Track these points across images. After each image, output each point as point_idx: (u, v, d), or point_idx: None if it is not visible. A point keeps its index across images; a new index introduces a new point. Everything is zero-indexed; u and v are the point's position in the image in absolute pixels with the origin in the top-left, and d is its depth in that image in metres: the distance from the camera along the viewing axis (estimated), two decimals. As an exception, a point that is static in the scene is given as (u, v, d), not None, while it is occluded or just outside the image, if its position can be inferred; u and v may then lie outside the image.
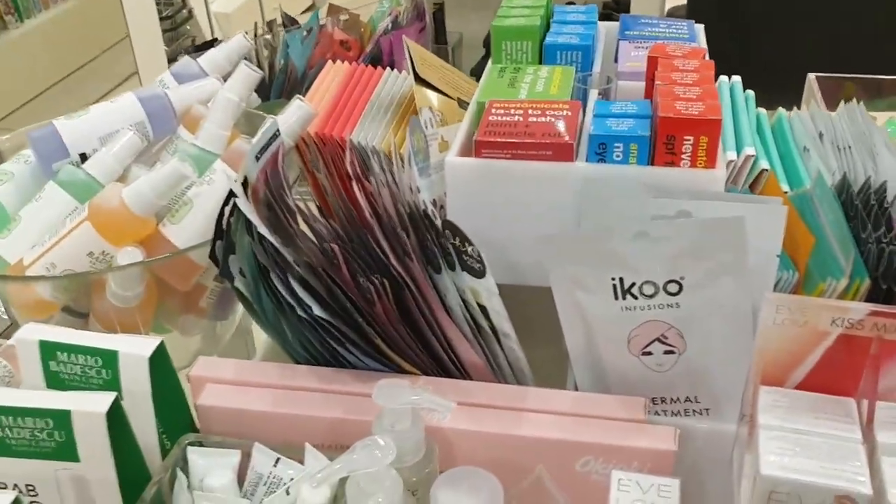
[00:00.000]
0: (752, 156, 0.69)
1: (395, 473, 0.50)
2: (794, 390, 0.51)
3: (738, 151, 0.69)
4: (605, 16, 2.03)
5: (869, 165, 0.70)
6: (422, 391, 0.53)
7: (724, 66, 1.69)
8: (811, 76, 1.01)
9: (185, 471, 0.56)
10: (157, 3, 2.81)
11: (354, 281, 0.57)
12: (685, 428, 0.57)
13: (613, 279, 0.56)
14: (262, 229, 0.56)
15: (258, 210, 0.60)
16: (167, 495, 0.55)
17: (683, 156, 0.57)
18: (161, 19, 2.77)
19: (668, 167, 0.58)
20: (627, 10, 1.86)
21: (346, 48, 1.10)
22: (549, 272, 0.57)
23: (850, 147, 0.74)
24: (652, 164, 0.58)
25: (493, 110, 0.63)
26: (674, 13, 1.96)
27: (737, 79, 0.82)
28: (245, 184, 0.61)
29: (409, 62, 0.80)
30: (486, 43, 2.10)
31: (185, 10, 2.93)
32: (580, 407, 0.58)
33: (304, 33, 1.03)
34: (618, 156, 0.58)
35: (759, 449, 0.46)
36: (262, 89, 0.99)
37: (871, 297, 0.60)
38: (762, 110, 0.82)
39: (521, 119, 0.61)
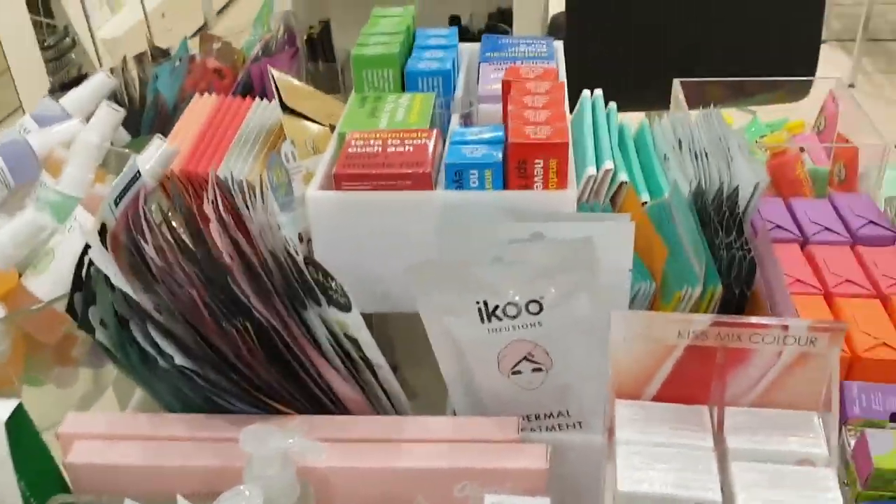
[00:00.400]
0: (610, 170, 0.71)
1: (264, 520, 0.50)
2: (650, 402, 0.52)
3: (598, 166, 0.71)
4: (491, 27, 2.06)
5: (724, 171, 0.73)
6: (291, 434, 0.53)
7: (597, 75, 1.75)
8: (676, 82, 1.04)
9: (54, 534, 0.54)
10: (39, 32, 2.72)
11: (217, 326, 0.56)
12: (560, 443, 0.59)
13: (478, 302, 0.57)
14: (117, 280, 0.55)
15: (119, 257, 0.59)
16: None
17: (536, 179, 0.58)
18: (43, 49, 2.69)
19: (522, 190, 0.59)
20: (510, 23, 1.90)
21: (220, 77, 1.09)
22: (416, 300, 0.58)
23: (706, 153, 0.77)
24: (507, 188, 0.59)
25: (353, 142, 0.63)
26: (556, 21, 2.00)
27: (598, 93, 0.85)
28: (103, 230, 0.60)
29: (274, 92, 0.80)
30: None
31: (68, 38, 2.84)
32: (456, 431, 0.59)
33: (175, 64, 1.01)
34: (474, 182, 0.59)
35: (616, 464, 0.48)
36: (133, 125, 0.97)
37: (725, 302, 0.62)
38: (626, 121, 0.85)
39: (380, 150, 0.61)
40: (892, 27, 3.62)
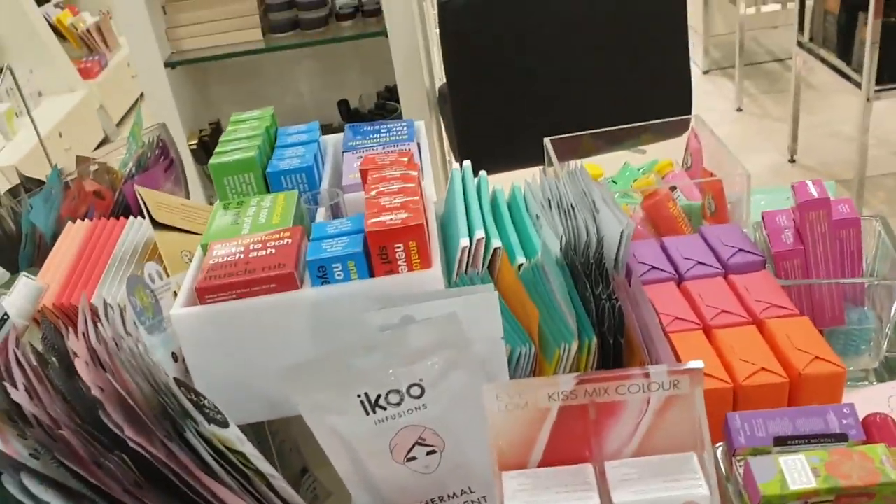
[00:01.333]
0: (482, 238, 0.72)
1: None
2: (535, 469, 0.52)
3: (471, 236, 0.73)
4: (380, 106, 2.10)
5: (591, 224, 0.75)
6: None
7: (484, 140, 1.78)
8: (546, 140, 1.08)
9: None
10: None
11: (96, 464, 0.55)
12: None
13: (359, 396, 0.57)
14: (-21, 434, 0.53)
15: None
16: None
17: (399, 262, 0.59)
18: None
19: (388, 276, 0.59)
20: (397, 100, 1.94)
21: (100, 198, 1.08)
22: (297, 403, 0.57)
23: (573, 208, 0.79)
24: (373, 275, 0.60)
25: (215, 252, 0.63)
26: (442, 91, 2.05)
27: (467, 164, 0.86)
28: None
29: (144, 209, 0.79)
30: (271, 150, 2.12)
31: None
32: (358, 532, 0.58)
33: (50, 193, 1.00)
34: (339, 275, 0.59)
35: (505, 540, 0.48)
36: (11, 261, 0.95)
37: (602, 352, 0.64)
38: (500, 187, 0.87)
39: (241, 256, 0.61)
40: (765, 49, 3.81)
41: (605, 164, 1.21)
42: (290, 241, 0.62)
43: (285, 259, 0.60)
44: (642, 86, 1.83)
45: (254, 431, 0.71)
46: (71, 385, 0.58)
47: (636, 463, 0.51)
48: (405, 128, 0.81)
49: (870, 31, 2.23)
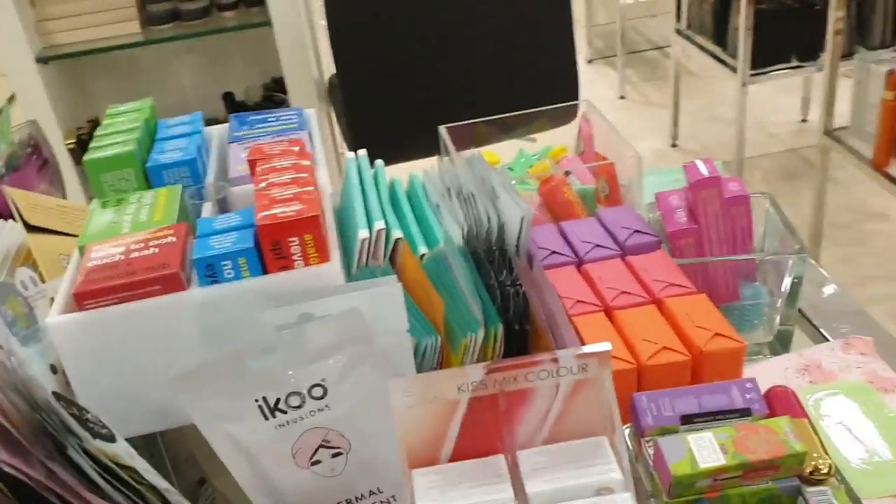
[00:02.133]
0: (383, 229, 0.69)
1: None
2: (446, 465, 0.51)
3: (370, 228, 0.70)
4: (267, 97, 2.04)
5: (491, 211, 0.74)
6: None
7: (377, 130, 1.76)
8: (441, 128, 1.06)
9: None
10: None
11: (-37, 491, 0.50)
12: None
13: (257, 400, 0.54)
14: None
15: None
16: None
17: (295, 257, 0.56)
18: None
19: (283, 271, 0.56)
20: (285, 92, 1.89)
21: (-37, 201, 1.00)
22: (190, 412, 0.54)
23: (473, 196, 0.77)
24: (266, 272, 0.56)
25: (93, 254, 0.58)
26: (333, 82, 2.01)
27: (362, 153, 0.84)
28: None
29: (15, 212, 0.73)
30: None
31: None
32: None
33: None
34: (229, 273, 0.56)
35: (418, 541, 0.46)
36: None
37: (508, 339, 0.62)
38: (397, 177, 0.84)
39: (122, 257, 0.57)
40: (645, 38, 3.92)
41: (499, 152, 1.20)
42: (173, 239, 0.58)
43: (169, 258, 0.56)
44: (530, 74, 1.84)
45: (146, 443, 0.66)
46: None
47: (548, 451, 0.50)
48: (294, 116, 0.78)
49: (743, 17, 2.31)
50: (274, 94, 1.99)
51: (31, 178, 0.95)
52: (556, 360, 0.48)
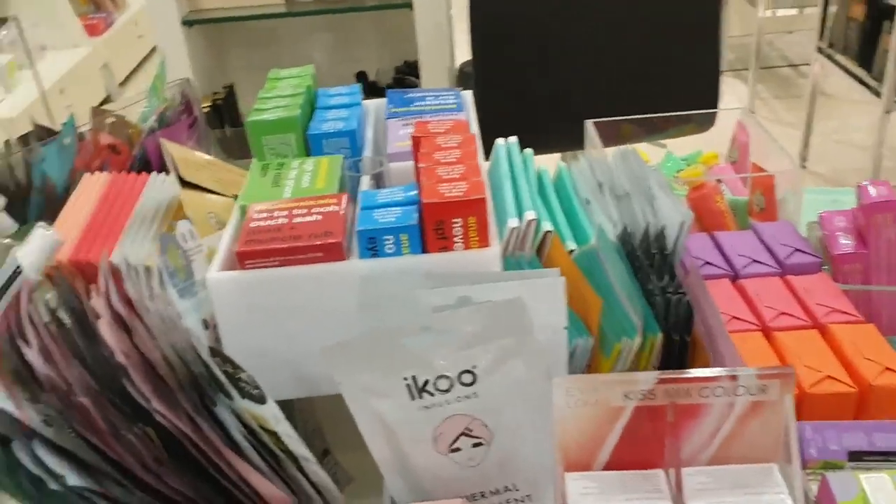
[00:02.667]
0: (534, 220, 0.67)
1: None
2: (601, 472, 0.48)
3: (520, 217, 0.68)
4: (399, 80, 2.04)
5: (648, 211, 0.71)
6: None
7: (508, 121, 1.73)
8: (589, 123, 1.03)
9: None
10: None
11: (115, 435, 0.50)
12: (507, 521, 0.54)
13: (406, 379, 0.53)
14: (-6, 397, 0.48)
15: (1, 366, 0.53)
16: None
17: (456, 239, 0.54)
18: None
19: (442, 252, 0.55)
20: (417, 74, 1.89)
21: (115, 152, 1.02)
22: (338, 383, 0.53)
23: (627, 193, 0.74)
24: (426, 251, 0.55)
25: (255, 215, 0.58)
26: (464, 69, 2.00)
27: (513, 140, 0.82)
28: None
29: (171, 166, 0.74)
30: (283, 119, 2.06)
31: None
32: (394, 522, 0.53)
33: (63, 143, 0.95)
34: (390, 248, 0.54)
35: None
36: (19, 212, 0.90)
37: (666, 351, 0.59)
38: (544, 167, 0.82)
39: (285, 221, 0.57)
40: (780, 54, 3.77)
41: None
42: (336, 208, 0.58)
43: (332, 227, 0.55)
44: (669, 78, 1.78)
45: (280, 409, 0.66)
46: (90, 348, 0.53)
47: (714, 472, 0.47)
48: (452, 97, 0.77)
49: (894, 40, 2.18)
50: (406, 77, 1.99)
51: (181, 135, 0.97)
52: (734, 378, 0.45)
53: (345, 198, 0.59)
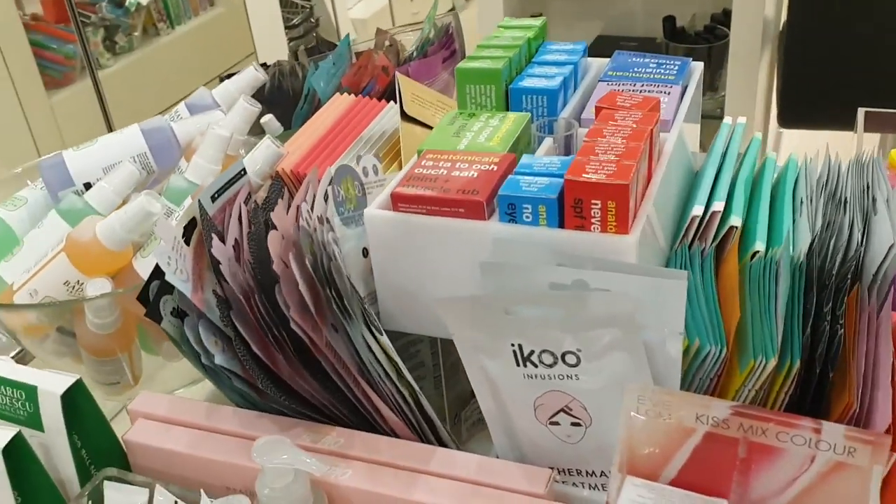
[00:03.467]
0: (719, 212, 0.64)
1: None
2: (663, 486, 0.47)
3: (708, 206, 0.65)
4: (710, 29, 1.94)
5: (858, 226, 0.63)
6: (296, 451, 0.53)
7: (812, 88, 1.58)
8: (860, 112, 0.92)
9: (101, 503, 0.58)
10: (285, 10, 2.93)
11: (261, 333, 0.58)
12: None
13: (513, 345, 0.54)
14: (171, 277, 0.58)
15: (202, 252, 0.62)
16: (77, 526, 0.57)
17: (593, 220, 0.54)
18: (287, 27, 2.89)
19: (578, 231, 0.55)
20: (726, 25, 1.78)
21: (386, 74, 1.11)
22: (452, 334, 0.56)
23: (846, 202, 0.67)
24: (563, 226, 0.55)
25: (424, 161, 0.62)
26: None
27: (741, 120, 0.77)
28: (192, 224, 0.63)
29: (398, 98, 0.80)
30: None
31: (312, 19, 3.04)
32: (482, 474, 0.56)
33: (335, 60, 1.05)
34: (527, 217, 0.55)
35: (598, 550, 0.43)
36: (288, 118, 1.02)
37: (806, 380, 0.54)
38: (773, 155, 0.76)
39: (445, 172, 0.60)
40: None
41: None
42: (495, 167, 0.59)
43: (482, 186, 0.57)
44: None
45: (430, 344, 0.71)
46: (259, 253, 0.60)
47: (778, 522, 0.44)
48: (676, 67, 0.73)
49: None
50: (717, 27, 1.88)
51: (435, 67, 1.02)
52: (818, 431, 0.41)
53: (509, 159, 0.60)
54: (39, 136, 2.29)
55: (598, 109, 0.63)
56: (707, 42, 1.85)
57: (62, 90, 2.38)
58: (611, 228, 0.54)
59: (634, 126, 0.59)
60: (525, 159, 0.59)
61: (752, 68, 1.78)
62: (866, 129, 0.98)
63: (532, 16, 2.02)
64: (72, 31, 1.96)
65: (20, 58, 2.24)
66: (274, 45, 2.81)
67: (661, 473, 0.47)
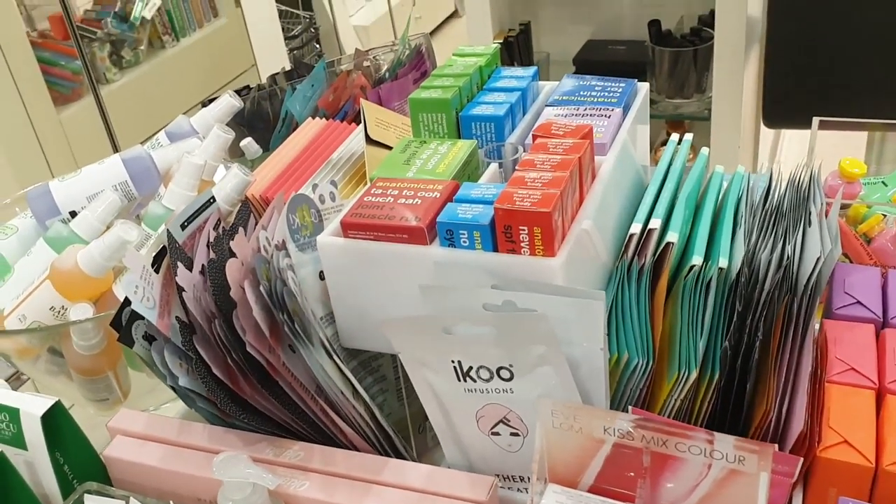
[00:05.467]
0: (655, 230, 0.67)
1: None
2: (581, 492, 0.51)
3: (645, 224, 0.68)
4: (695, 31, 1.96)
5: (790, 240, 0.67)
6: (251, 465, 0.58)
7: (796, 84, 1.59)
8: (815, 120, 0.95)
9: (82, 516, 0.63)
10: (285, 20, 2.98)
11: (222, 357, 0.62)
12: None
13: (453, 362, 0.58)
14: (136, 306, 0.62)
15: (171, 279, 0.67)
16: (58, 539, 0.62)
17: (523, 244, 0.58)
18: (287, 38, 2.94)
19: (510, 254, 0.59)
20: (712, 27, 1.80)
21: (364, 93, 1.15)
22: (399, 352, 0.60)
23: (784, 214, 0.70)
24: (497, 250, 0.59)
25: (373, 189, 0.66)
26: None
27: (688, 137, 0.80)
28: (161, 253, 0.68)
29: (363, 122, 0.84)
30: (576, 61, 2.09)
31: (312, 29, 3.09)
32: (430, 483, 0.60)
33: (312, 83, 1.09)
34: (465, 241, 0.59)
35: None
36: (266, 139, 1.06)
37: (725, 389, 0.58)
38: (720, 169, 0.79)
39: (391, 200, 0.64)
40: None
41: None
42: (438, 195, 0.63)
43: (425, 213, 0.61)
44: None
45: (392, 358, 0.75)
46: (219, 279, 0.65)
47: (682, 524, 0.47)
48: (620, 90, 0.77)
49: None
50: (703, 29, 1.91)
51: (407, 87, 1.06)
52: (710, 442, 0.45)
53: (451, 186, 0.64)
54: (50, 151, 2.35)
55: (534, 137, 0.66)
56: (692, 45, 1.88)
57: (71, 105, 2.44)
58: (538, 252, 0.58)
59: (563, 155, 0.62)
60: (463, 188, 0.63)
61: (738, 69, 1.81)
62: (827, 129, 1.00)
63: (521, 24, 2.05)
64: (79, 47, 2.02)
65: (28, 75, 2.29)
66: (274, 56, 2.86)
67: (581, 481, 0.51)
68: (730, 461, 0.45)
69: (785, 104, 1.68)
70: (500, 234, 0.58)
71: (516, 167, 0.62)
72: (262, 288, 0.62)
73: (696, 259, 0.68)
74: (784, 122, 1.73)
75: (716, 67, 1.81)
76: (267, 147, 1.05)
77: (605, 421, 0.48)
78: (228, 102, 0.96)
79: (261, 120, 1.08)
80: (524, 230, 0.57)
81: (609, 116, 0.73)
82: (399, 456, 0.66)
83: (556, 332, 0.54)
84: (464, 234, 0.59)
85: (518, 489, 0.63)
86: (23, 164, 2.21)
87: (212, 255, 0.67)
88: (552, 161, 0.61)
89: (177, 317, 0.64)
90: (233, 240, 0.67)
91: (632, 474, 0.49)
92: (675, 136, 0.80)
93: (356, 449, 0.65)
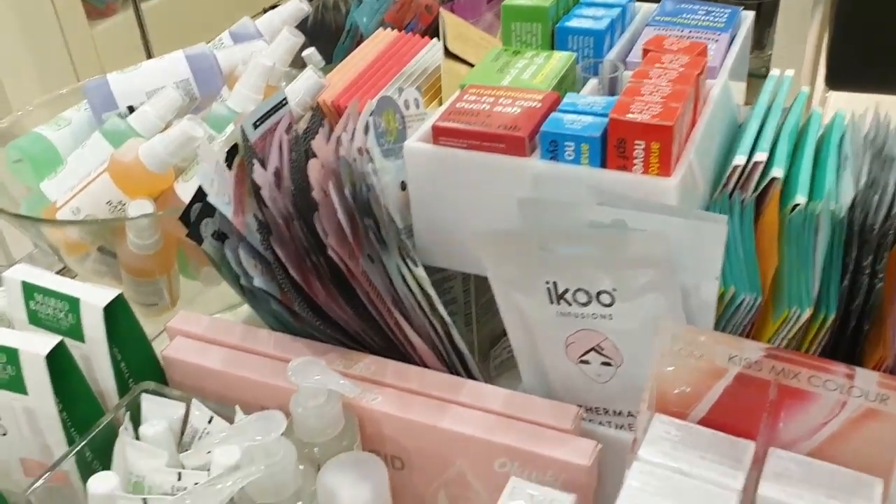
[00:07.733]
0: (761, 162, 0.63)
1: (289, 444, 0.52)
2: (691, 424, 0.47)
3: (750, 156, 0.64)
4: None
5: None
6: (330, 372, 0.54)
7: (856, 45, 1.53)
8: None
9: (138, 415, 0.60)
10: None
11: (299, 259, 0.58)
12: (625, 444, 0.55)
13: (547, 283, 0.55)
14: (213, 199, 0.59)
15: (244, 177, 0.63)
16: (113, 436, 0.59)
17: (636, 161, 0.54)
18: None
19: (619, 171, 0.54)
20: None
21: (429, 12, 1.10)
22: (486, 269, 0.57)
23: (892, 160, 0.66)
24: (605, 166, 0.55)
25: (466, 96, 0.61)
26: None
27: (789, 73, 0.75)
28: (233, 150, 0.64)
29: (441, 34, 0.80)
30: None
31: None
32: (510, 407, 0.57)
33: (379, -3, 1.04)
34: (569, 155, 0.55)
35: (623, 486, 0.44)
36: (328, 51, 1.02)
37: (839, 333, 0.54)
38: (819, 110, 0.75)
39: (488, 107, 0.60)
40: None
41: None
42: (539, 104, 0.59)
43: (524, 122, 0.57)
44: None
45: (462, 279, 0.71)
46: (299, 180, 0.61)
47: (807, 463, 0.44)
48: (725, 15, 0.72)
49: None
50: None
51: (480, 6, 1.01)
52: (851, 377, 0.41)
53: (552, 97, 0.60)
54: (80, 66, 2.29)
55: (645, 51, 0.62)
56: (757, -2, 1.81)
57: (104, 20, 2.38)
58: (653, 170, 0.54)
59: (681, 70, 0.58)
60: (569, 98, 0.59)
61: (803, 26, 1.74)
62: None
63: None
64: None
65: (63, -12, 2.24)
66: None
67: (690, 413, 0.48)
68: (870, 399, 0.41)
69: (851, 66, 1.62)
70: (612, 148, 0.54)
71: (630, 79, 0.57)
72: (346, 191, 0.58)
73: (800, 198, 0.64)
74: (847, 83, 1.67)
75: (780, 23, 1.74)
76: (330, 59, 1.00)
77: (731, 349, 0.44)
78: (296, 6, 0.91)
79: (324, 30, 1.04)
80: (640, 145, 0.53)
81: (717, 41, 0.68)
82: (472, 378, 0.63)
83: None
84: (570, 146, 0.55)
85: (601, 422, 0.60)
86: (52, 77, 2.16)
87: (289, 155, 0.63)
88: (670, 75, 0.57)
89: (254, 215, 0.61)
90: (310, 142, 0.63)
91: (753, 409, 0.45)
92: (776, 72, 0.75)
93: (427, 367, 0.62)
